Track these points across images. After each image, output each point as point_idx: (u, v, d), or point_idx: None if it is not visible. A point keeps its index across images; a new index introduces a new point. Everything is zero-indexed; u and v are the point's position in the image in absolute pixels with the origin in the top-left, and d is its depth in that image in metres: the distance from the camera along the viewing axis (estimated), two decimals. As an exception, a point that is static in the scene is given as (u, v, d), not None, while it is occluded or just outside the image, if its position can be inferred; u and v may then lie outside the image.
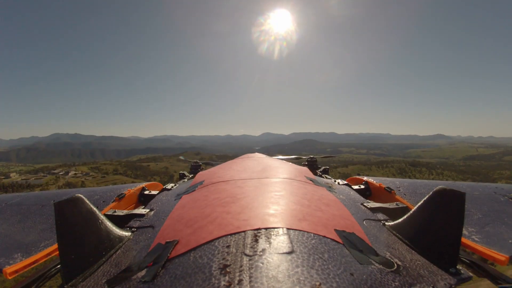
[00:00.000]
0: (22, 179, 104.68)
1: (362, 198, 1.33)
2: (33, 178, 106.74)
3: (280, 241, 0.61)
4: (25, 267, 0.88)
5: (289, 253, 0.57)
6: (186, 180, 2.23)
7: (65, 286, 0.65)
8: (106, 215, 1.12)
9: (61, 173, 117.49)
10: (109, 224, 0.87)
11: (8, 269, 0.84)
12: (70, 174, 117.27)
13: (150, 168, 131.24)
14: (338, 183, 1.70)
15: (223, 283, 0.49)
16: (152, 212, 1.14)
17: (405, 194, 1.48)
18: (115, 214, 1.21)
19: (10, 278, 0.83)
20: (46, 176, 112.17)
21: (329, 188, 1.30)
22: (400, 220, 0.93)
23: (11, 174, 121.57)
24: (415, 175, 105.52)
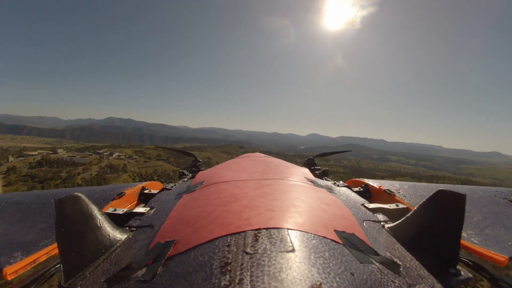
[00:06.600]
0: (68, 156, 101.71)
1: (362, 199, 1.33)
2: (78, 156, 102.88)
3: (281, 240, 0.61)
4: (25, 266, 0.87)
5: (290, 252, 0.57)
6: (186, 179, 2.17)
7: (64, 285, 0.65)
8: (107, 214, 1.13)
9: (106, 153, 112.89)
10: (109, 222, 0.87)
11: (8, 270, 0.82)
12: (114, 155, 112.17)
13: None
14: (338, 185, 1.68)
15: (223, 282, 0.48)
16: (153, 211, 1.15)
17: (405, 196, 1.46)
18: (115, 212, 1.22)
19: (9, 279, 0.82)
20: (92, 155, 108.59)
21: (329, 189, 1.31)
22: (400, 221, 0.93)
23: (59, 150, 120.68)
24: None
